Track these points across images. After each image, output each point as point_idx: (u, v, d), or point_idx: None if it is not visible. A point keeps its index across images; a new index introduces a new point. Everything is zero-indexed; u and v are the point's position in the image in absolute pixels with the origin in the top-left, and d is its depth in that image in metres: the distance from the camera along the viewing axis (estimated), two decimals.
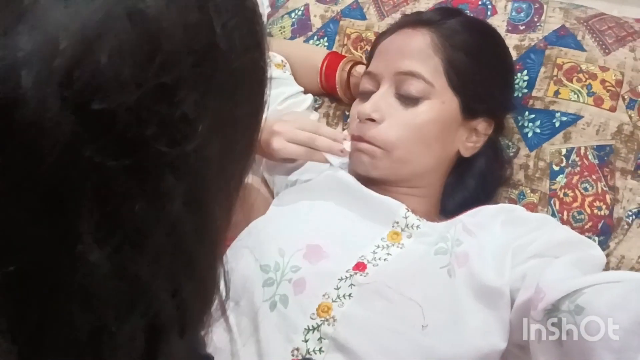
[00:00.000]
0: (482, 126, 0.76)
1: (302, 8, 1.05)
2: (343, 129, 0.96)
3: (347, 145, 0.75)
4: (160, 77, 0.23)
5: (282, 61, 0.94)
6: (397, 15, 0.96)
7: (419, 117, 0.71)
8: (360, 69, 0.89)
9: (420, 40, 0.73)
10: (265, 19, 1.13)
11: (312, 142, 0.76)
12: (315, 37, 1.01)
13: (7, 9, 0.21)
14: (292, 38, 1.04)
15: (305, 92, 0.93)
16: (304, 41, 1.02)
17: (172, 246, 0.27)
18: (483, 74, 0.74)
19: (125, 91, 0.22)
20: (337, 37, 0.99)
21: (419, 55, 0.72)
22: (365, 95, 0.76)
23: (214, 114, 0.26)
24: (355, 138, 0.73)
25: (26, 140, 0.21)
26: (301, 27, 1.04)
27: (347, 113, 0.96)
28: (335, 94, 0.93)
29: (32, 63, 0.21)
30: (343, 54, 0.97)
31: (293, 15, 1.06)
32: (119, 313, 0.25)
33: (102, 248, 0.24)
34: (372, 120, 0.71)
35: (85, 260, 0.23)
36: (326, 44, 1.00)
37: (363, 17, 0.99)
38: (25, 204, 0.22)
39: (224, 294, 0.33)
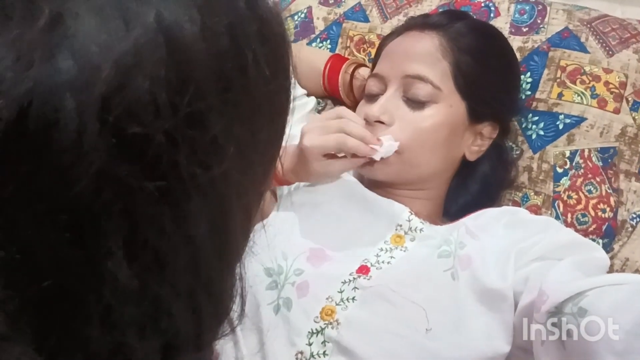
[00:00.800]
0: (487, 130, 0.76)
1: (305, 11, 1.05)
2: None
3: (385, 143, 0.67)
4: (193, 103, 0.23)
5: None
6: (400, 18, 0.96)
7: (427, 120, 0.71)
8: (363, 71, 0.89)
9: (428, 44, 0.73)
10: None
11: (343, 143, 0.66)
12: (318, 40, 1.02)
13: (53, 33, 0.21)
14: (295, 41, 1.04)
15: (309, 94, 0.94)
16: (307, 44, 1.03)
17: (194, 267, 0.27)
18: (490, 78, 0.74)
19: (160, 116, 0.22)
20: (340, 40, 1.00)
21: (427, 58, 0.72)
22: (372, 97, 0.75)
23: (239, 138, 0.27)
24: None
25: (63, 162, 0.21)
26: (304, 29, 1.04)
27: None
28: (338, 97, 0.93)
29: (74, 87, 0.21)
30: (346, 56, 0.97)
31: (296, 17, 1.06)
32: (139, 332, 0.26)
33: (130, 267, 0.24)
34: (381, 122, 0.71)
35: (113, 279, 0.24)
36: (329, 46, 1.00)
37: (366, 20, 0.99)
38: (58, 224, 0.22)
39: (236, 308, 0.33)
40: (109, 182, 0.22)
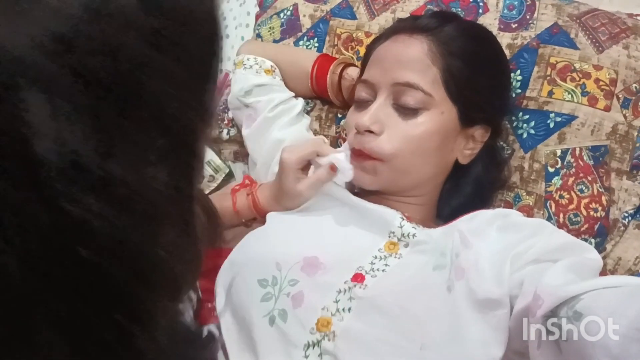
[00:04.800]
0: (479, 133, 0.75)
1: (291, 8, 1.03)
2: (336, 132, 0.95)
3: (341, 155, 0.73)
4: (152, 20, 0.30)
5: (271, 67, 0.92)
6: (387, 14, 0.94)
7: (419, 128, 0.70)
8: (351, 71, 0.88)
9: (417, 49, 0.71)
10: (253, 20, 1.11)
11: (319, 147, 0.74)
12: (305, 38, 1.00)
13: None
14: (281, 39, 1.02)
15: (296, 96, 0.92)
16: (294, 42, 1.01)
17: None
18: (482, 82, 0.73)
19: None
20: (328, 38, 0.98)
21: (417, 65, 0.70)
22: (362, 104, 0.74)
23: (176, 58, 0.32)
24: (356, 152, 0.71)
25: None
26: (290, 27, 1.02)
27: (339, 115, 0.95)
28: (326, 97, 0.92)
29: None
30: (334, 54, 0.96)
31: (282, 15, 1.04)
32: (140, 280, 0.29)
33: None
34: (371, 132, 0.70)
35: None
36: (316, 44, 0.98)
37: (353, 17, 0.97)
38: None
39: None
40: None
